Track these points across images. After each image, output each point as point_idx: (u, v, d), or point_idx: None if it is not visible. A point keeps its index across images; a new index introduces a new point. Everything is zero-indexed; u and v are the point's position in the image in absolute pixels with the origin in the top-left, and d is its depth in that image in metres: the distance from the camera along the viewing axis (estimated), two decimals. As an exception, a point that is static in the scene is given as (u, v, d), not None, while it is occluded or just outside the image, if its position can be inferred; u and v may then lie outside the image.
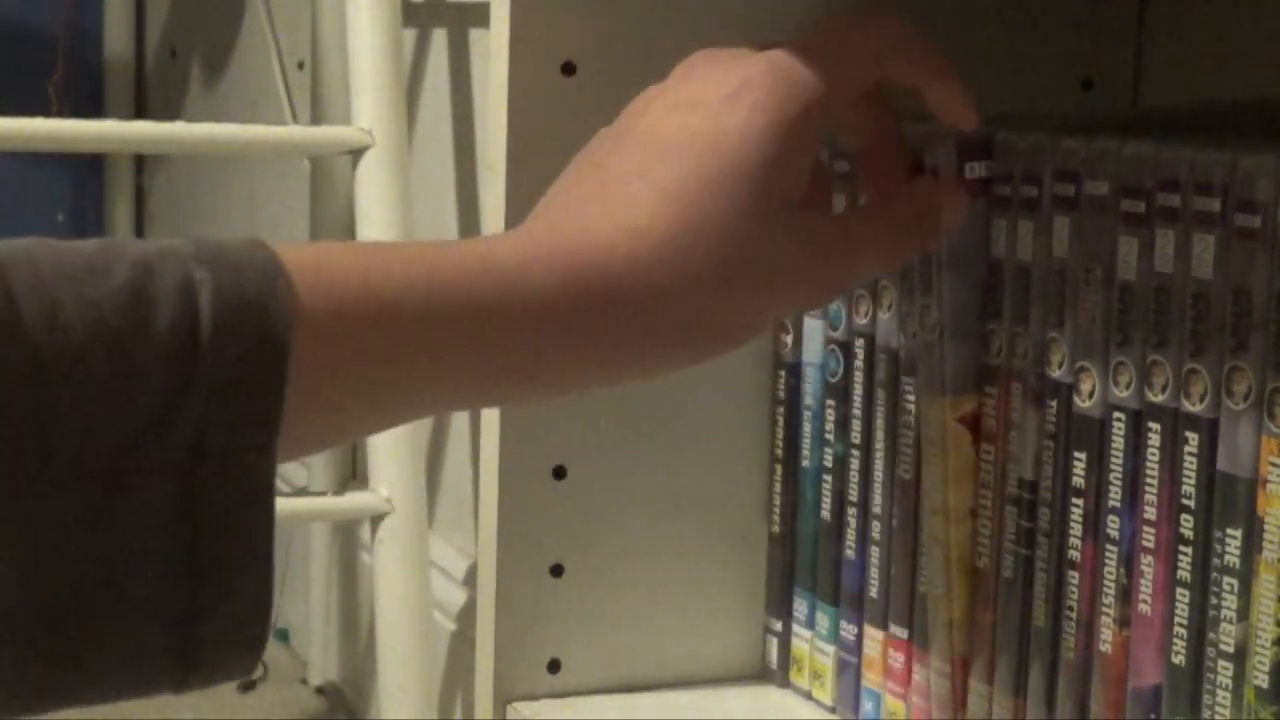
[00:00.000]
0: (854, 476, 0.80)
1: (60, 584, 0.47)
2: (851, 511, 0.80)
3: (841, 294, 0.75)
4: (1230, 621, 0.63)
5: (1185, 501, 0.64)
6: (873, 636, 0.79)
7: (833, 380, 0.81)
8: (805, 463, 0.83)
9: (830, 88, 0.62)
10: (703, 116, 0.60)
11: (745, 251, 0.59)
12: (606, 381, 0.61)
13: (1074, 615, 0.69)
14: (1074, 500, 0.69)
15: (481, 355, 0.56)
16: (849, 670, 0.81)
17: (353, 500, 1.51)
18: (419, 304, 0.54)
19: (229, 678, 0.51)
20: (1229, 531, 0.63)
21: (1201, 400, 0.64)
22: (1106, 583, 0.68)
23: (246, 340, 0.49)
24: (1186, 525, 0.64)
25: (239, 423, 0.49)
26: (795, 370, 0.83)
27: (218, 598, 0.49)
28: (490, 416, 0.82)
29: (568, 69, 0.79)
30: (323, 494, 1.80)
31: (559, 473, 0.83)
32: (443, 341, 0.55)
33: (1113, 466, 0.67)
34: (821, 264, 0.62)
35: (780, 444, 0.85)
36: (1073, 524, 0.69)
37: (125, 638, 0.49)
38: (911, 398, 0.75)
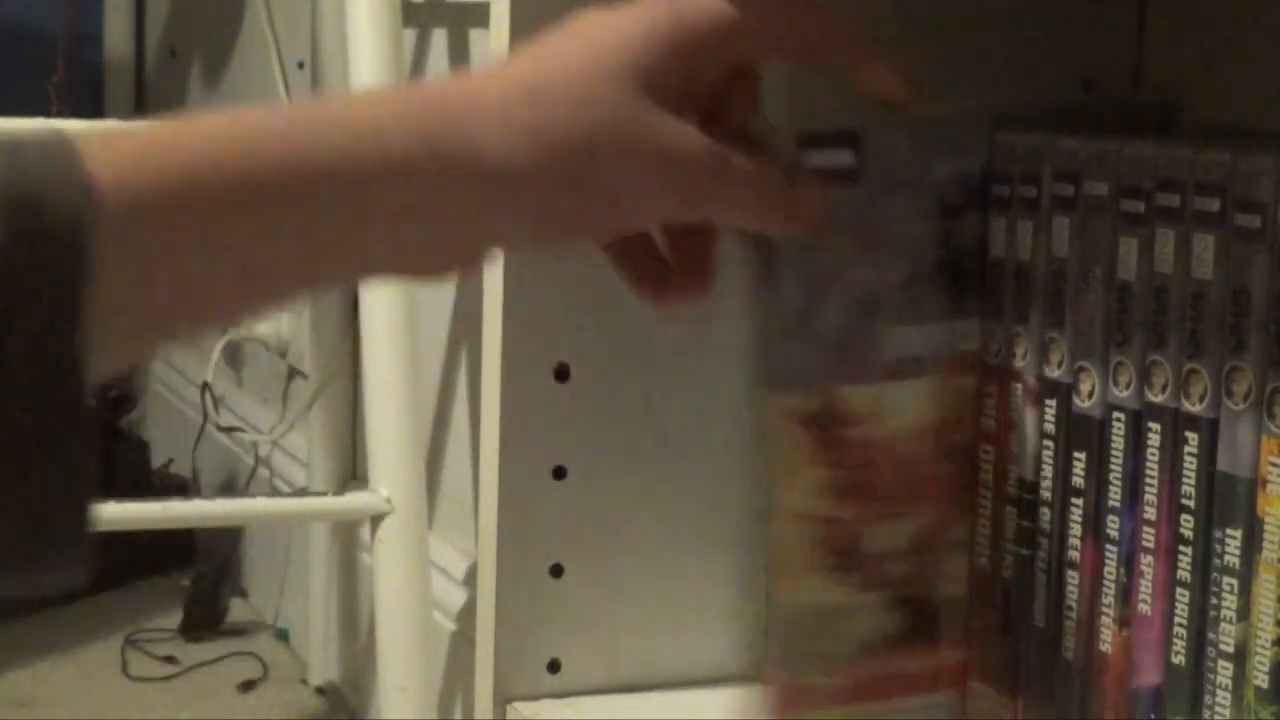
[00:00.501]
0: (854, 476, 0.80)
1: None
2: (851, 511, 0.80)
3: (705, 213, 0.67)
4: (1230, 621, 0.63)
5: (1185, 501, 0.64)
6: (873, 636, 0.79)
7: (833, 380, 0.80)
8: (805, 463, 0.83)
9: (723, 30, 0.63)
10: (599, 16, 0.62)
11: (612, 119, 0.59)
12: (463, 241, 0.59)
13: (1074, 615, 0.69)
14: (1074, 500, 0.69)
15: (318, 221, 0.54)
16: (849, 670, 0.81)
17: (353, 500, 1.51)
18: (236, 199, 0.52)
19: (45, 578, 0.49)
20: (1229, 531, 0.63)
21: (1201, 400, 0.64)
22: (1106, 583, 0.68)
23: (38, 219, 0.47)
24: (1186, 525, 0.64)
25: (38, 306, 0.46)
26: (795, 370, 0.83)
27: (26, 506, 0.47)
28: (490, 416, 0.82)
29: (568, 69, 0.79)
30: (323, 494, 1.80)
31: (559, 473, 0.83)
32: (265, 238, 0.53)
33: (1113, 466, 0.67)
34: (690, 168, 0.61)
35: (780, 444, 0.84)
36: (1073, 524, 0.69)
37: None
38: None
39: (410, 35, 1.79)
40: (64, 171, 0.48)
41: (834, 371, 0.70)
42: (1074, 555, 0.69)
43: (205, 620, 2.01)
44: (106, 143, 0.50)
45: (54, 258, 0.47)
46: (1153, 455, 0.65)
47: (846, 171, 0.69)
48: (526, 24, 0.79)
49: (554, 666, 0.84)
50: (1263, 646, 0.62)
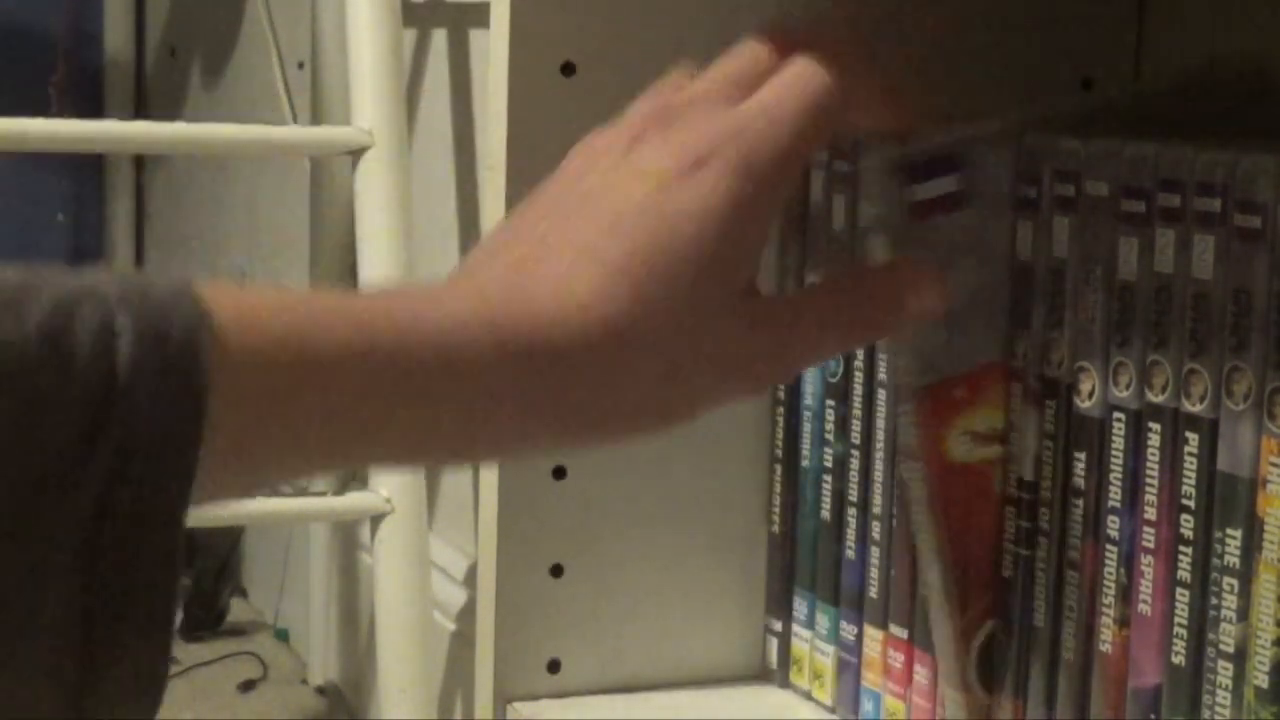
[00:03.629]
0: (854, 476, 0.80)
1: None
2: (851, 511, 0.80)
3: (794, 377, 0.72)
4: (1230, 621, 0.63)
5: (1185, 501, 0.64)
6: (873, 636, 0.79)
7: (833, 380, 0.81)
8: (805, 463, 0.83)
9: (798, 151, 0.57)
10: (654, 189, 0.56)
11: (692, 337, 0.55)
12: (539, 449, 0.60)
13: (1074, 615, 0.69)
14: (1074, 500, 0.69)
15: (410, 418, 0.53)
16: (849, 670, 0.81)
17: (353, 500, 1.51)
18: (347, 364, 0.51)
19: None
20: (1229, 531, 0.63)
21: (1201, 400, 0.64)
22: (1106, 583, 0.68)
23: (163, 397, 0.46)
24: (1186, 525, 0.64)
25: (148, 482, 0.46)
26: (795, 370, 0.83)
27: (110, 664, 0.47)
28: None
29: (568, 69, 0.79)
30: (323, 494, 1.80)
31: (559, 473, 0.83)
32: (369, 402, 0.52)
33: (1113, 466, 0.67)
34: (770, 349, 0.57)
35: (780, 444, 0.85)
36: (1073, 524, 0.69)
37: (14, 696, 0.46)
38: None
39: (410, 35, 1.79)
40: (194, 336, 0.47)
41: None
42: (1074, 555, 0.69)
43: (205, 620, 2.01)
44: (234, 313, 0.49)
45: (171, 417, 0.47)
46: (1153, 455, 0.65)
47: (953, 197, 0.68)
48: (527, 24, 0.79)
49: (554, 666, 0.84)
50: (1263, 646, 0.62)
